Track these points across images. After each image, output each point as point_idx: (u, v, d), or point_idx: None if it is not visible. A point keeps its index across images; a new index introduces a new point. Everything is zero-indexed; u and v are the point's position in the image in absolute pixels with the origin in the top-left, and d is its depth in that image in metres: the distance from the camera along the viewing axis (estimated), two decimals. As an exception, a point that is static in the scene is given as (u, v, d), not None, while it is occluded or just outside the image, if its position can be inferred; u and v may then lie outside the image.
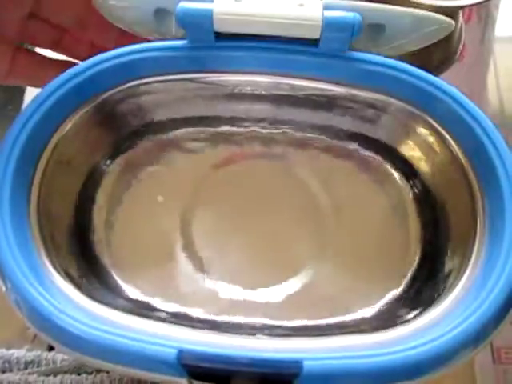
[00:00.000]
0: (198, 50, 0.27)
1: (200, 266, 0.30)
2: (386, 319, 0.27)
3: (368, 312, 0.28)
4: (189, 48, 0.27)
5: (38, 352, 0.33)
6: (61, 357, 0.33)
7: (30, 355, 0.33)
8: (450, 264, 0.27)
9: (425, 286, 0.27)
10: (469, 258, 0.25)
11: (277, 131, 0.32)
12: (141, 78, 0.28)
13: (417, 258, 0.28)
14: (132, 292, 0.29)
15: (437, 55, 0.40)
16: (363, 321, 0.28)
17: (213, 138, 0.32)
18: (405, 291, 0.28)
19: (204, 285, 0.30)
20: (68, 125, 0.27)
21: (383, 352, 0.23)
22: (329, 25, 0.26)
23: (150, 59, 0.27)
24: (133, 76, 0.28)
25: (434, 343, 0.23)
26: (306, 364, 0.22)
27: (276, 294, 0.29)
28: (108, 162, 0.30)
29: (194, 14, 0.26)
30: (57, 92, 0.26)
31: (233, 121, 0.32)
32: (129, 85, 0.28)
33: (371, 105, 0.29)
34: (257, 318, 0.29)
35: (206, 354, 0.23)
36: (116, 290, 0.29)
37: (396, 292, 0.28)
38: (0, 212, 0.24)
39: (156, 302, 0.29)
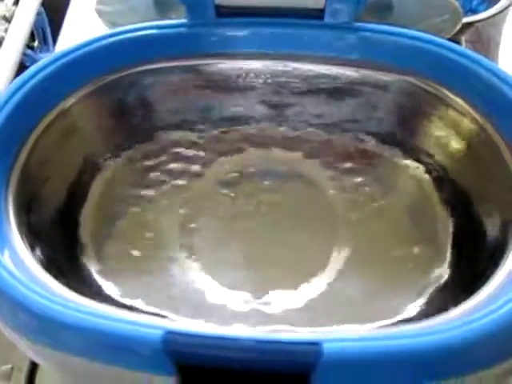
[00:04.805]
0: (198, 27, 0.25)
1: (202, 272, 0.25)
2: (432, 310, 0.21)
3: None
4: (189, 26, 0.25)
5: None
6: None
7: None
8: (492, 233, 0.22)
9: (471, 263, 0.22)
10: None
11: (282, 129, 0.28)
12: (142, 62, 0.26)
13: (450, 238, 0.24)
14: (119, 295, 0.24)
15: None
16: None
17: (215, 139, 0.28)
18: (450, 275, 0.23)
19: (204, 295, 0.24)
20: (68, 103, 0.24)
21: (420, 333, 0.17)
22: (333, -9, 0.23)
23: (150, 37, 0.25)
24: (133, 57, 0.25)
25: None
26: (327, 347, 0.17)
27: (296, 300, 0.24)
28: (106, 156, 0.27)
29: (195, -14, 0.24)
30: (53, 65, 0.24)
31: (235, 120, 0.28)
32: (131, 71, 0.25)
33: (382, 87, 0.25)
34: (269, 326, 0.23)
35: (200, 335, 0.17)
36: (100, 293, 0.24)
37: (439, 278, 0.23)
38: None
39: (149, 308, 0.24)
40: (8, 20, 0.39)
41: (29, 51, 0.41)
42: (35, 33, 0.42)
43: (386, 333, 0.18)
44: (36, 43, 0.43)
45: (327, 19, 0.24)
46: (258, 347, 0.17)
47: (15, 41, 0.39)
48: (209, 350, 0.17)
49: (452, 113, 0.25)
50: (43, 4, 0.41)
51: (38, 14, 0.41)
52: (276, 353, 0.17)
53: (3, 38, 0.39)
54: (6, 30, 0.39)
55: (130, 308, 0.23)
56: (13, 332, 0.20)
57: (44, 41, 0.43)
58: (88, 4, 0.44)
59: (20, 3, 0.40)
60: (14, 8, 0.39)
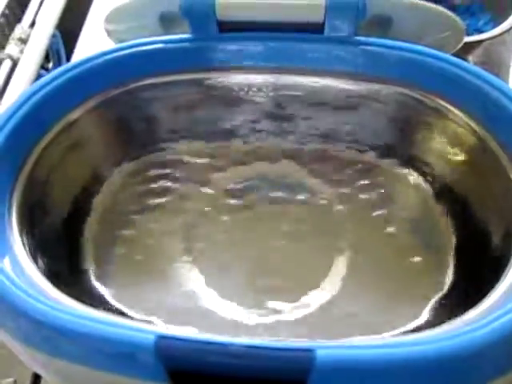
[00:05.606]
0: (201, 41, 0.25)
1: (202, 281, 0.25)
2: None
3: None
4: (193, 40, 0.25)
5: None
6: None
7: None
8: (496, 242, 0.21)
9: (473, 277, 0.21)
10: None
11: (284, 141, 0.28)
12: (146, 76, 0.26)
13: (452, 248, 0.23)
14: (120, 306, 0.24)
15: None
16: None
17: (218, 151, 0.29)
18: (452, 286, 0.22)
19: (203, 304, 0.24)
20: (74, 116, 0.25)
21: (416, 342, 0.17)
22: (332, 5, 0.24)
23: (154, 52, 0.25)
24: (138, 71, 0.26)
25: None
26: (321, 354, 0.16)
27: (296, 311, 0.24)
28: (111, 167, 0.27)
29: (198, 1, 0.25)
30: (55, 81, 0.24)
31: (238, 132, 0.28)
32: (135, 84, 0.26)
33: (383, 100, 0.26)
34: (266, 337, 0.23)
35: (192, 341, 0.17)
36: (100, 300, 0.24)
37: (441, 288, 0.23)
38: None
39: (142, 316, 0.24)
40: (24, 41, 0.41)
41: (43, 72, 0.43)
42: (50, 54, 0.43)
43: (381, 341, 0.18)
44: (51, 64, 0.44)
45: (327, 33, 0.25)
46: (251, 353, 0.17)
47: (30, 62, 0.40)
48: (201, 355, 0.17)
49: (453, 125, 0.24)
50: (58, 27, 0.42)
51: (53, 36, 0.42)
52: (268, 359, 0.16)
53: (19, 59, 0.40)
54: (21, 51, 0.40)
55: (128, 315, 0.23)
56: (12, 339, 0.20)
57: (58, 62, 0.44)
58: (101, 27, 0.46)
59: (36, 26, 0.41)
60: (29, 30, 0.41)
